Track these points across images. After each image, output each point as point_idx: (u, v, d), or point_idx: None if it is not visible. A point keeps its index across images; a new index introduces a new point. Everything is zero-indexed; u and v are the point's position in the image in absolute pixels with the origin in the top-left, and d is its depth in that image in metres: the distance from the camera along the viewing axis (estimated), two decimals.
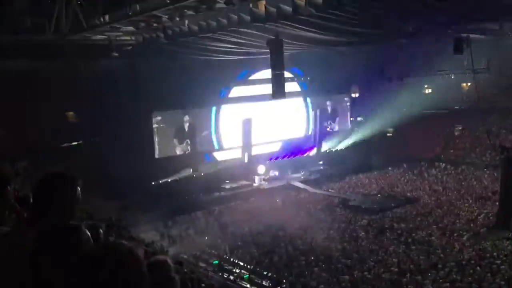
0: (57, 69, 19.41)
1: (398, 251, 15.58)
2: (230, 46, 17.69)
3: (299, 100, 30.44)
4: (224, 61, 22.33)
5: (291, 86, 28.02)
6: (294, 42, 16.38)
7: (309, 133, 30.93)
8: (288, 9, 11.77)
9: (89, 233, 2.13)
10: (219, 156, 27.54)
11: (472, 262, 14.10)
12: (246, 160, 27.11)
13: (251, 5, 12.35)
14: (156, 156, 24.28)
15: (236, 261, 15.67)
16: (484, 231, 17.35)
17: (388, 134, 30.36)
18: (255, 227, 19.39)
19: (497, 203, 18.53)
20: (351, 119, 32.59)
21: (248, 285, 14.01)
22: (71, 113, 21.01)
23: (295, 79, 29.39)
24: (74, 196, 2.50)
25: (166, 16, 13.60)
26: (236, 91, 27.53)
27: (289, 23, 13.22)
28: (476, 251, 15.03)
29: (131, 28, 15.85)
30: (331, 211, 21.56)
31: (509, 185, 17.60)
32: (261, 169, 27.76)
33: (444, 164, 28.92)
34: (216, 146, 27.02)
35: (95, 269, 1.63)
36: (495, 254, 14.70)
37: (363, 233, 17.90)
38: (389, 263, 14.51)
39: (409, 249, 15.70)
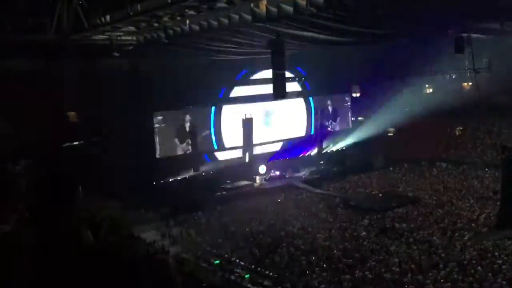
0: (58, 69, 19.44)
1: (399, 251, 15.55)
2: (231, 46, 17.72)
3: (300, 99, 30.43)
4: (225, 61, 22.35)
5: (292, 86, 28.09)
6: (295, 42, 16.40)
7: (310, 133, 30.93)
8: (289, 8, 11.78)
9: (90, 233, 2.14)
10: (220, 156, 27.56)
11: (474, 262, 14.07)
12: (247, 160, 27.12)
13: (252, 5, 12.36)
14: (157, 156, 24.30)
15: (237, 261, 15.67)
16: (485, 231, 17.34)
17: (389, 134, 30.33)
18: (256, 227, 19.40)
19: (498, 203, 18.53)
20: (352, 118, 32.56)
21: (249, 285, 13.99)
22: (72, 113, 21.01)
23: (296, 79, 29.38)
24: (74, 196, 2.52)
25: (167, 16, 13.61)
26: (237, 91, 27.56)
27: (290, 23, 13.24)
28: (478, 251, 15.00)
29: (132, 28, 15.87)
30: (332, 211, 21.55)
31: (511, 185, 17.59)
32: (262, 169, 27.78)
33: (445, 164, 28.92)
34: (215, 146, 27.03)
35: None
36: (496, 254, 14.67)
37: (364, 232, 17.88)
38: (390, 262, 14.49)
39: (410, 249, 15.67)
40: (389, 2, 11.78)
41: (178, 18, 13.68)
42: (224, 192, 25.29)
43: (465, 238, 16.51)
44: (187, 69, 22.37)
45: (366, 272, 13.69)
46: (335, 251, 15.86)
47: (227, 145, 27.28)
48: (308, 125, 30.84)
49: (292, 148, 30.69)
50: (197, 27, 14.32)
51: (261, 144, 28.06)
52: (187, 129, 25.16)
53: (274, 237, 17.78)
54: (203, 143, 26.10)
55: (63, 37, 15.59)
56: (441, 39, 19.74)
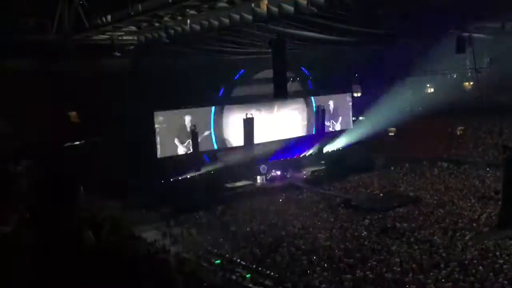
0: (59, 69, 19.44)
1: (401, 251, 15.56)
2: (232, 45, 17.71)
3: (301, 99, 30.42)
4: (226, 60, 22.37)
5: (293, 86, 28.05)
6: (296, 41, 16.39)
7: (311, 132, 30.91)
8: (290, 8, 11.77)
9: (91, 233, 2.14)
10: (220, 156, 27.55)
11: (475, 261, 14.07)
12: (248, 160, 27.11)
13: (253, 5, 12.35)
14: (158, 156, 24.32)
15: (238, 261, 15.68)
16: (486, 230, 17.34)
17: (390, 134, 30.31)
18: (257, 226, 19.41)
19: (500, 203, 18.52)
20: (353, 118, 32.56)
21: (250, 285, 14.00)
22: (73, 113, 21.02)
23: (297, 78, 29.38)
24: (75, 197, 2.52)
25: (168, 16, 13.61)
26: (237, 90, 27.55)
27: (291, 22, 13.23)
28: (479, 251, 15.00)
29: (133, 28, 15.87)
30: (333, 210, 21.56)
31: None
32: (263, 168, 27.78)
33: (446, 164, 28.92)
34: (215, 146, 27.03)
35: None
36: (497, 253, 14.67)
37: (365, 232, 17.89)
38: (391, 262, 14.50)
39: (411, 249, 15.68)
40: (389, 2, 11.77)
41: (179, 17, 13.68)
42: (225, 192, 25.30)
43: (466, 237, 16.51)
44: (188, 69, 22.37)
45: (367, 272, 13.69)
46: (336, 250, 15.87)
47: (227, 145, 27.27)
48: (309, 125, 30.82)
49: (293, 148, 30.68)
50: (198, 27, 14.31)
51: (262, 143, 28.04)
52: (188, 129, 25.17)
53: (275, 236, 17.79)
54: (204, 143, 26.10)
55: (64, 37, 15.60)
56: (442, 39, 19.72)
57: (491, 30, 18.64)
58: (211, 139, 26.76)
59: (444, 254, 14.84)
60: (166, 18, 13.87)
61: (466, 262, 14.09)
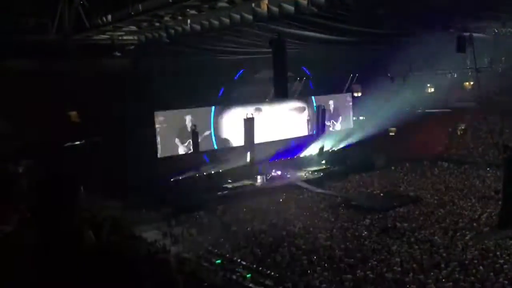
0: (60, 69, 19.45)
1: (401, 251, 15.55)
2: (232, 45, 17.72)
3: (301, 99, 30.40)
4: (226, 60, 22.37)
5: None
6: (297, 41, 16.39)
7: (312, 132, 30.91)
8: (291, 8, 11.78)
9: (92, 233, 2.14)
10: (221, 155, 27.55)
11: (475, 261, 14.06)
12: (248, 160, 27.10)
13: (253, 5, 12.36)
14: (159, 155, 24.32)
15: (239, 261, 15.68)
16: (487, 230, 17.33)
17: (390, 133, 30.29)
18: (257, 226, 19.40)
19: (500, 203, 18.51)
20: (354, 118, 32.56)
21: (251, 285, 14.00)
22: (73, 113, 21.03)
23: (298, 78, 29.37)
24: (75, 197, 2.52)
25: (169, 16, 13.62)
26: (237, 90, 27.54)
27: (291, 22, 13.23)
28: (479, 251, 14.98)
29: (133, 28, 15.89)
30: (333, 210, 21.55)
31: None
32: (263, 168, 27.77)
33: (446, 163, 28.91)
34: (216, 146, 27.03)
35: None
36: (498, 253, 14.66)
37: (365, 232, 17.88)
38: (392, 262, 14.49)
39: (412, 249, 15.66)
40: (389, 2, 11.77)
41: (180, 17, 13.69)
42: (226, 192, 25.30)
43: (467, 237, 16.49)
44: (188, 69, 22.37)
45: (368, 272, 13.68)
46: (336, 250, 15.86)
47: (227, 145, 27.28)
48: (310, 125, 30.82)
49: (294, 148, 30.67)
50: (198, 27, 14.33)
51: (262, 143, 28.04)
52: (188, 129, 25.17)
53: (276, 236, 17.78)
54: (205, 143, 26.10)
55: (64, 37, 15.62)
56: (442, 38, 19.71)
57: (491, 29, 18.64)
58: (211, 139, 26.77)
59: (444, 254, 14.83)
60: (166, 18, 13.88)
61: (467, 262, 14.08)
